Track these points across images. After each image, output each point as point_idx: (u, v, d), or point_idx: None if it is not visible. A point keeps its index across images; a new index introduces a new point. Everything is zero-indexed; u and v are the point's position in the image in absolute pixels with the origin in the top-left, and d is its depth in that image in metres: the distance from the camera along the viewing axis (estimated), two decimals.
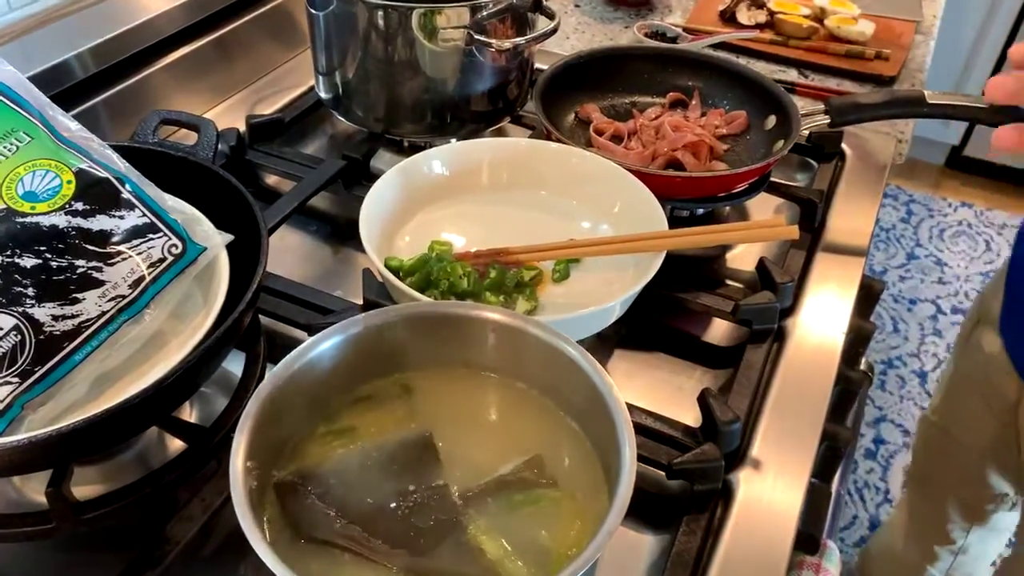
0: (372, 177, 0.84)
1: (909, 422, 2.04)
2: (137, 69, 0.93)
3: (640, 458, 0.60)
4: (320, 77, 0.91)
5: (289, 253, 0.83)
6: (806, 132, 0.87)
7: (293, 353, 0.49)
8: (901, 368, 2.19)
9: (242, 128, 0.89)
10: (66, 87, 0.87)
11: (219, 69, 1.00)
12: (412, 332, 0.53)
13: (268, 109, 0.98)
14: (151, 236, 0.57)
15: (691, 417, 0.67)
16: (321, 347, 0.50)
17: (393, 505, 0.47)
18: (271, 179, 0.91)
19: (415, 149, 0.91)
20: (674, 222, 0.84)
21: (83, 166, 0.57)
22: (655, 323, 0.75)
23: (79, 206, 0.56)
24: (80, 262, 0.54)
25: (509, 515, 0.47)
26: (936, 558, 1.26)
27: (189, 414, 0.65)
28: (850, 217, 0.86)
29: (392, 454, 0.50)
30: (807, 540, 0.64)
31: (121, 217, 0.57)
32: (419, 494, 0.48)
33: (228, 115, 0.98)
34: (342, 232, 0.85)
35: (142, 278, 0.56)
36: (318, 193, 0.83)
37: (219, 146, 0.87)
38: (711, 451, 0.58)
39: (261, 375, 0.61)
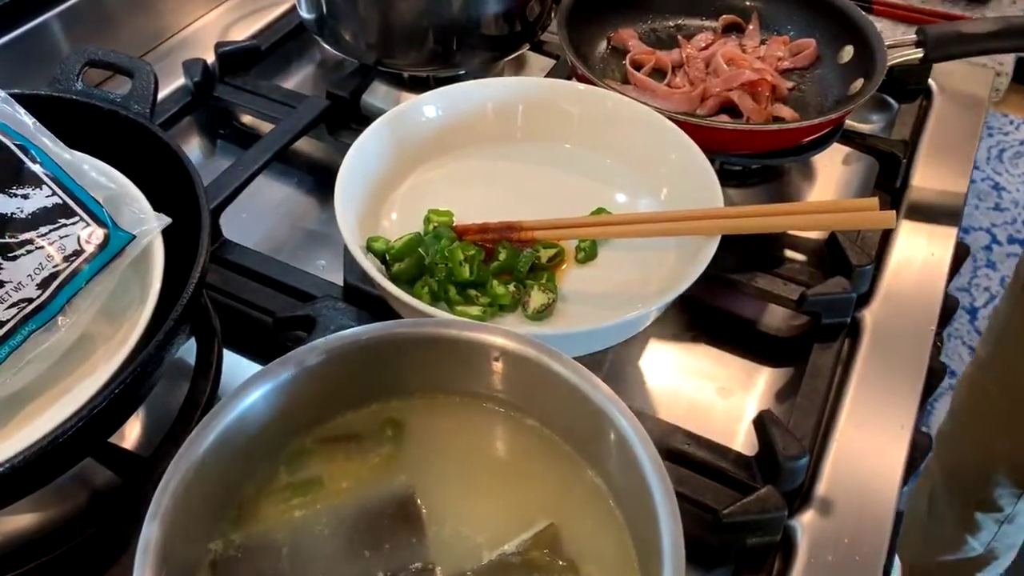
0: (362, 119, 0.70)
1: (956, 362, 1.91)
2: None
3: (680, 496, 0.49)
4: None
5: (267, 211, 0.70)
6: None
7: (226, 399, 0.37)
8: None
9: (211, 59, 0.75)
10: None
11: None
12: (392, 355, 0.41)
13: (243, 34, 0.83)
14: (63, 222, 0.45)
15: (742, 435, 0.55)
16: (264, 387, 0.38)
17: None
18: (247, 118, 0.77)
19: (417, 84, 0.77)
20: (724, 176, 0.70)
21: None
22: (698, 304, 0.62)
23: None
24: None
25: None
26: (978, 527, 1.15)
27: (137, 416, 0.54)
28: (939, 173, 0.71)
29: (363, 521, 0.39)
30: None
31: (25, 197, 0.45)
32: None
33: (196, 40, 0.84)
34: (330, 184, 0.72)
35: (54, 275, 0.45)
36: (298, 139, 0.69)
37: (184, 80, 0.74)
38: (770, 498, 0.46)
39: (215, 388, 0.50)
